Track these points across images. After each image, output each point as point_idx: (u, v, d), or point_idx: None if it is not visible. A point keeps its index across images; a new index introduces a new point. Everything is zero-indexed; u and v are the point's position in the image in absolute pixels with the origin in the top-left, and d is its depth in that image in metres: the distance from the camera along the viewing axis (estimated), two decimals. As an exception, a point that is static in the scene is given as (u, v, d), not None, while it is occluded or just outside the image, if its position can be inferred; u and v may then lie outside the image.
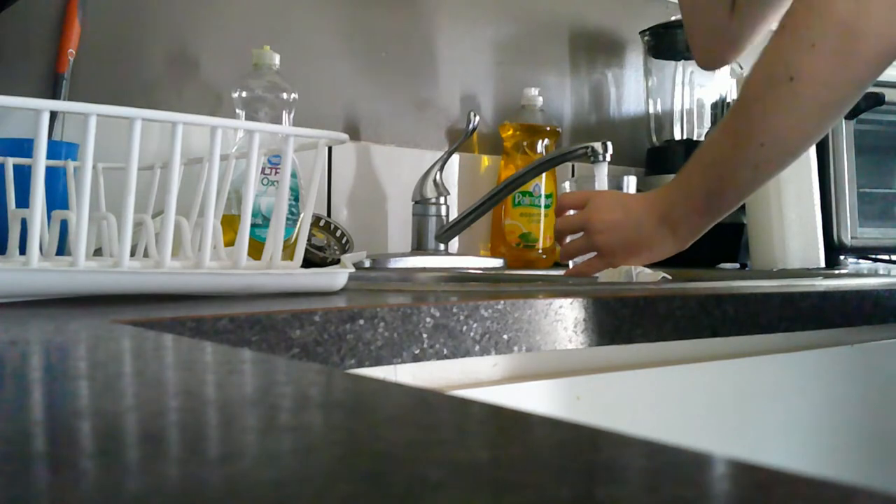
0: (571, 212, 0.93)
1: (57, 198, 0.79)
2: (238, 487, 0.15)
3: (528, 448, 0.18)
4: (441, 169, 1.17)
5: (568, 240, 0.94)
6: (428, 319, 0.50)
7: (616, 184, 1.05)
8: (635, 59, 1.54)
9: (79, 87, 0.99)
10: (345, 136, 0.60)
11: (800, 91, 0.76)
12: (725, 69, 1.44)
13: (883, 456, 0.80)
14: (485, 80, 1.37)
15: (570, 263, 0.95)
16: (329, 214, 1.17)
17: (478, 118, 1.19)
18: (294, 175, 1.00)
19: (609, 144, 1.04)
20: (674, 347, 0.66)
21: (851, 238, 1.33)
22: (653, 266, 0.90)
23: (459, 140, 1.20)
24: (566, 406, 0.59)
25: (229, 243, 0.61)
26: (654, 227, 0.86)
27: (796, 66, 0.76)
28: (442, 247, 1.17)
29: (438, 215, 1.17)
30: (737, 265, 1.33)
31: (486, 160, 1.35)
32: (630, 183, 1.05)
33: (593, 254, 0.90)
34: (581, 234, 0.91)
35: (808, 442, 0.74)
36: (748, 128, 0.79)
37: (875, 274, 1.17)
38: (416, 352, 0.50)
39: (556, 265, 1.30)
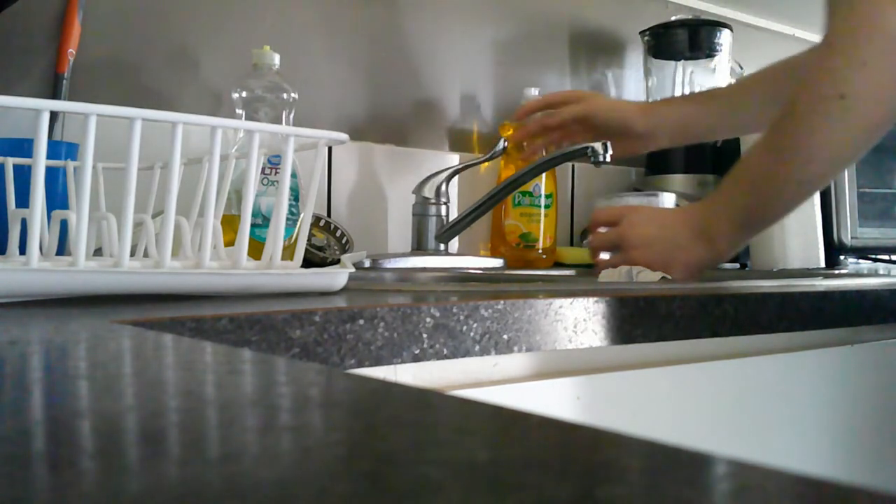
0: (604, 229, 0.92)
1: (57, 198, 0.79)
2: (238, 487, 0.15)
3: (528, 448, 0.18)
4: (447, 181, 1.17)
5: (602, 256, 0.92)
6: (428, 319, 0.50)
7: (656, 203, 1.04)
8: (635, 59, 1.54)
9: (79, 87, 0.99)
10: (345, 136, 0.60)
11: (851, 109, 0.75)
12: (725, 69, 1.44)
13: (883, 456, 0.80)
14: (485, 80, 1.37)
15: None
16: (329, 214, 1.17)
17: (505, 142, 1.19)
18: (294, 175, 1.00)
19: (609, 144, 1.04)
20: (674, 347, 0.66)
21: (851, 238, 1.33)
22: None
23: (486, 156, 1.20)
24: (566, 406, 0.59)
25: (229, 243, 0.61)
26: (691, 242, 0.85)
27: (847, 85, 0.75)
28: (442, 247, 1.17)
29: (438, 215, 1.17)
30: (737, 265, 1.33)
31: (486, 160, 1.34)
32: (667, 200, 1.04)
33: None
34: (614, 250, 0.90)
35: (809, 442, 0.74)
36: (794, 145, 0.79)
37: (875, 274, 1.17)
38: (416, 352, 0.50)
39: (556, 265, 1.30)
